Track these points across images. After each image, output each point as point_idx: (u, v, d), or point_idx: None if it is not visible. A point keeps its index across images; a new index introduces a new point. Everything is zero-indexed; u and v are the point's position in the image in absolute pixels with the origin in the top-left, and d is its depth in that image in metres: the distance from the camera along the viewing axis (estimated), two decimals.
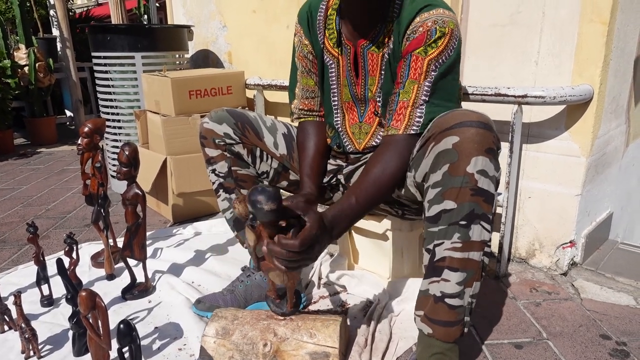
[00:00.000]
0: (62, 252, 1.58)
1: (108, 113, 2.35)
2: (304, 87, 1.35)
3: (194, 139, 2.03)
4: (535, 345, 1.18)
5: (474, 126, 0.89)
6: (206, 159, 1.38)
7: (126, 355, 1.01)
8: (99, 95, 2.36)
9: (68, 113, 4.84)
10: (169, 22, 2.85)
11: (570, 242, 1.50)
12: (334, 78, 1.26)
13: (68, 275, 1.20)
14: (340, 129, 1.29)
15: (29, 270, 1.63)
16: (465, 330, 0.96)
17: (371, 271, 1.48)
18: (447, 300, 0.93)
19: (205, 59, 2.68)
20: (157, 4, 4.08)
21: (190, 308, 1.35)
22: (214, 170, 1.37)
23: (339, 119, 1.28)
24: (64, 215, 2.21)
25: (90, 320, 1.00)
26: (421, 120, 1.03)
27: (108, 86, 2.31)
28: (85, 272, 1.62)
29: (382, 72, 1.14)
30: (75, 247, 1.27)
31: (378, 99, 1.18)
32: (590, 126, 1.38)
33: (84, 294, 1.02)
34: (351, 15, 1.14)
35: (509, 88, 1.35)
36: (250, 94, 2.31)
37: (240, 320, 1.15)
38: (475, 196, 0.90)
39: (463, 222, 0.91)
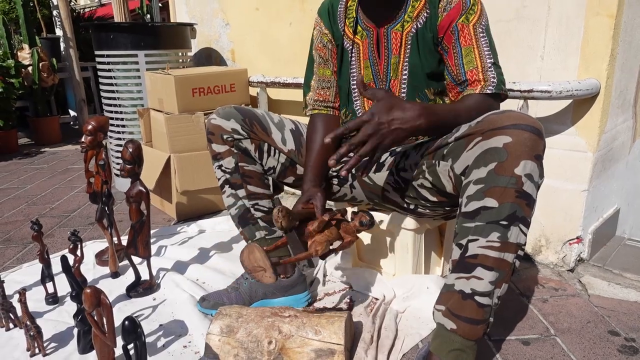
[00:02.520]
0: (67, 250, 1.59)
1: (112, 111, 2.35)
2: (321, 77, 1.36)
3: (198, 136, 2.04)
4: (543, 341, 1.17)
5: (529, 130, 0.88)
6: (213, 155, 1.37)
7: (131, 352, 1.01)
8: (103, 94, 2.36)
9: (72, 113, 4.84)
10: (172, 21, 2.85)
11: (577, 238, 1.49)
12: (354, 61, 1.28)
13: (73, 273, 1.19)
14: (359, 110, 1.30)
15: (33, 269, 1.63)
16: (487, 330, 0.95)
17: (376, 268, 1.47)
18: (477, 298, 0.92)
19: (209, 56, 2.68)
20: (160, 4, 4.08)
21: (195, 305, 1.34)
22: (220, 166, 1.37)
23: (358, 100, 1.30)
24: (68, 214, 2.21)
25: (95, 318, 1.00)
26: (495, 80, 1.07)
27: (111, 84, 2.31)
28: (90, 270, 1.62)
29: (409, 46, 1.18)
30: (79, 245, 1.27)
31: (404, 74, 1.20)
32: (597, 121, 1.37)
33: (88, 291, 1.01)
34: (374, 2, 1.20)
35: (514, 83, 1.34)
36: (253, 91, 2.31)
37: (244, 318, 1.14)
38: (519, 198, 0.88)
39: (504, 222, 0.89)
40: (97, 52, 2.27)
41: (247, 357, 1.08)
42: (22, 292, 1.17)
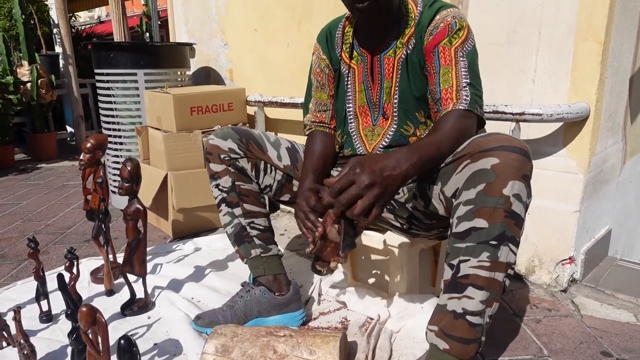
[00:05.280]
0: (62, 267, 1.58)
1: (110, 129, 2.37)
2: (318, 101, 1.41)
3: (195, 154, 2.06)
4: None
5: (516, 152, 0.90)
6: (210, 174, 1.40)
7: None
8: (101, 111, 2.38)
9: (69, 129, 4.86)
10: (171, 40, 2.90)
11: (570, 258, 1.50)
12: (349, 85, 1.32)
13: (68, 291, 1.19)
14: (353, 133, 1.33)
15: (27, 286, 1.62)
16: (480, 349, 0.96)
17: (371, 287, 1.48)
18: (468, 317, 0.93)
19: (207, 76, 2.71)
20: (159, 22, 4.14)
21: (189, 324, 1.34)
22: (217, 185, 1.39)
23: (353, 123, 1.33)
24: (64, 231, 2.21)
25: (90, 336, 1.00)
26: (468, 98, 1.07)
27: (110, 102, 2.33)
28: (85, 287, 1.62)
29: (399, 71, 1.21)
30: (75, 263, 1.27)
31: (395, 98, 1.23)
32: (587, 143, 1.40)
33: (84, 309, 1.02)
34: (368, 29, 1.23)
35: (506, 105, 1.37)
36: (250, 110, 2.34)
37: (239, 337, 1.14)
38: (508, 218, 0.90)
39: (493, 242, 0.91)
40: (96, 70, 2.30)
41: None
42: (17, 310, 1.16)
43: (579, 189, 1.43)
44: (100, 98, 2.35)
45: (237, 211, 1.38)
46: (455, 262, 0.95)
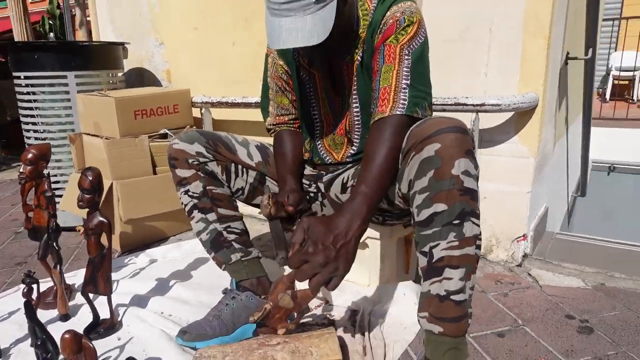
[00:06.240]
0: (13, 293, 1.41)
1: (34, 138, 2.13)
2: (279, 105, 1.37)
3: (141, 161, 1.94)
4: (515, 332, 1.27)
5: (453, 131, 0.94)
6: (177, 180, 1.32)
7: None
8: (23, 119, 2.13)
9: None
10: (94, 39, 2.68)
11: (523, 235, 1.64)
12: (312, 92, 1.28)
13: (38, 319, 1.06)
14: (318, 142, 1.31)
15: None
16: (470, 321, 1.01)
17: (350, 280, 1.50)
18: (452, 297, 0.97)
19: (140, 77, 2.55)
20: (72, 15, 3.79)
21: (169, 341, 1.26)
22: (187, 192, 1.31)
23: (318, 131, 1.31)
24: None
25: None
26: (405, 102, 1.05)
27: (32, 109, 2.09)
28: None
29: (356, 77, 1.18)
30: (37, 287, 1.13)
31: (355, 105, 1.21)
32: (537, 129, 1.54)
33: (67, 336, 0.92)
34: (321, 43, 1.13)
35: (467, 97, 1.46)
36: (195, 112, 2.24)
37: (232, 356, 1.08)
38: (463, 195, 0.94)
39: (456, 221, 0.95)
40: (16, 74, 2.05)
41: None
42: None
43: (530, 172, 1.57)
44: (21, 105, 2.11)
45: (211, 217, 1.32)
46: (426, 249, 0.98)
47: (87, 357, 0.94)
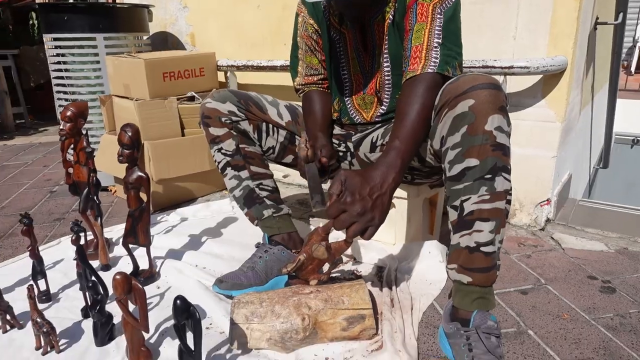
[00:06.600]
0: (49, 245, 1.48)
1: (63, 99, 2.19)
2: (308, 65, 1.38)
3: (171, 122, 1.98)
4: (538, 290, 1.32)
5: (486, 88, 0.96)
6: (210, 138, 1.36)
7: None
8: (55, 81, 2.18)
9: None
10: (118, 2, 2.69)
11: (547, 200, 1.66)
12: (342, 51, 1.29)
13: (89, 262, 1.13)
14: (348, 101, 1.33)
15: (8, 269, 1.50)
16: (498, 273, 1.05)
17: (377, 239, 1.54)
18: (482, 248, 1.01)
19: (164, 41, 2.57)
20: None
21: (205, 290, 1.32)
22: (220, 149, 1.36)
23: (348, 90, 1.33)
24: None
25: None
26: (437, 60, 1.05)
27: (61, 70, 2.14)
28: (74, 266, 1.52)
29: (387, 36, 1.19)
30: (84, 235, 1.20)
31: (386, 64, 1.22)
32: (565, 94, 1.54)
33: (119, 277, 0.98)
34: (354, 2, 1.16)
35: (495, 60, 1.46)
36: (220, 76, 2.26)
37: (268, 302, 1.13)
38: (495, 151, 0.97)
39: (488, 176, 0.97)
40: (47, 36, 2.09)
41: (281, 338, 1.08)
42: (30, 288, 1.09)
43: (557, 136, 1.58)
44: (52, 66, 2.15)
45: (244, 174, 1.37)
46: (457, 203, 1.02)
47: (136, 297, 1.00)
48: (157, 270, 1.46)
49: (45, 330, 1.08)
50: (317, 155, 1.25)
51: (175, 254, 1.56)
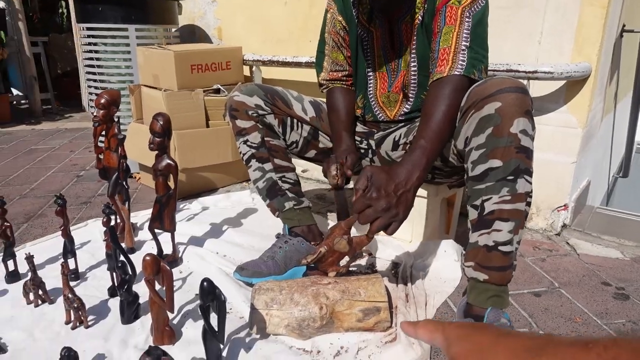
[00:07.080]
0: (77, 227, 1.54)
1: (95, 87, 2.26)
2: (334, 60, 1.42)
3: (196, 114, 2.04)
4: (551, 293, 1.34)
5: (514, 91, 0.98)
6: (237, 130, 1.40)
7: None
8: (86, 69, 2.26)
9: (15, 91, 4.50)
10: None
11: (564, 205, 1.67)
12: (368, 49, 1.33)
13: (119, 243, 1.19)
14: (372, 99, 1.37)
15: (39, 247, 1.57)
16: (514, 273, 1.07)
17: (394, 236, 1.57)
18: (500, 247, 1.03)
19: (192, 34, 2.63)
20: None
21: (225, 276, 1.37)
22: (246, 142, 1.40)
23: (371, 88, 1.36)
24: (54, 194, 2.11)
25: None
26: (464, 63, 1.08)
27: (93, 59, 2.21)
28: (101, 248, 1.58)
29: (415, 36, 1.21)
30: (115, 217, 1.25)
31: (413, 65, 1.25)
32: (587, 100, 1.54)
33: (148, 258, 1.04)
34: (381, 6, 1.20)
35: (519, 64, 1.48)
36: (245, 70, 2.31)
37: (287, 290, 1.17)
38: (519, 153, 0.99)
39: (510, 177, 1.00)
40: (81, 25, 2.16)
41: (299, 326, 1.12)
42: (64, 265, 1.15)
43: (577, 142, 1.59)
44: (85, 55, 2.23)
45: (268, 166, 1.41)
46: (478, 202, 1.04)
47: (164, 278, 1.06)
48: (179, 255, 1.51)
49: (75, 305, 1.14)
50: (345, 172, 1.25)
51: (197, 241, 1.61)
